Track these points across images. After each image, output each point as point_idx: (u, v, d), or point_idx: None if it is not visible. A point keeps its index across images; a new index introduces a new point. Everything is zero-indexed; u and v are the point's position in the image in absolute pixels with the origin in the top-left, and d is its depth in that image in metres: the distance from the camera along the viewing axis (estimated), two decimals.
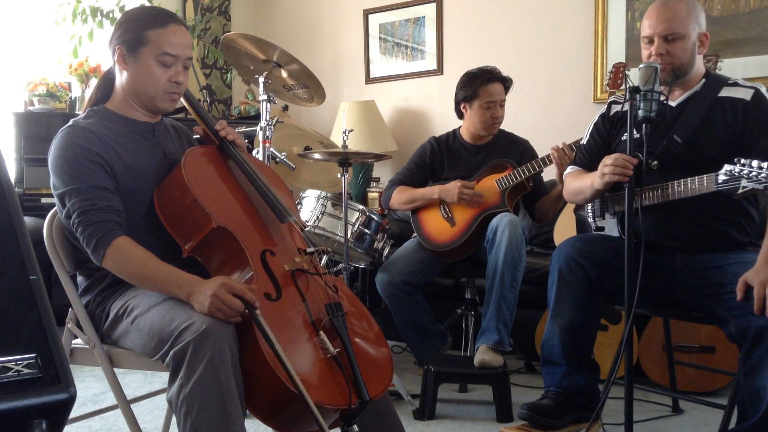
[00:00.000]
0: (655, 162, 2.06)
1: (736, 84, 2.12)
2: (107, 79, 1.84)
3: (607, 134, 2.30)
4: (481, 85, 3.00)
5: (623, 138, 2.13)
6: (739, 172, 1.85)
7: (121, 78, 1.79)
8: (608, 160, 2.04)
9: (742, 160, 1.85)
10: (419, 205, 3.07)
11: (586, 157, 2.35)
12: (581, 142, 2.42)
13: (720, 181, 1.89)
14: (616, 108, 2.29)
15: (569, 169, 2.40)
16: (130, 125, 1.79)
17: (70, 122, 1.74)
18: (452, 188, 2.94)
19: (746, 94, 2.08)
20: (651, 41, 2.10)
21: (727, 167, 1.88)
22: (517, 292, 2.73)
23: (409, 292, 2.95)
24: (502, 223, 2.73)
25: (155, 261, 1.61)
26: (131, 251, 1.62)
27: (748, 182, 1.83)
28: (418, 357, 3.07)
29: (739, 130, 2.06)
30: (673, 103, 2.16)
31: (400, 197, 3.10)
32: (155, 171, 1.76)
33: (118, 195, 1.69)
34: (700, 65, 2.17)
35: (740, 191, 1.85)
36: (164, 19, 1.76)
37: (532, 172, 2.85)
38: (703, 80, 2.16)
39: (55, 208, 1.76)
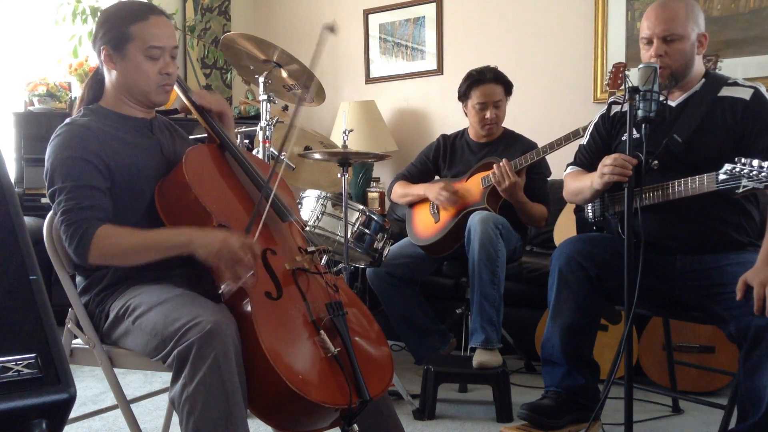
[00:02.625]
0: (656, 162, 2.05)
1: (735, 83, 2.12)
2: (96, 79, 1.83)
3: (607, 134, 2.29)
4: (471, 86, 3.04)
5: (623, 138, 2.13)
6: (739, 171, 1.84)
7: (110, 77, 1.78)
8: (608, 160, 2.04)
9: (743, 160, 1.84)
10: (410, 200, 3.17)
11: (586, 157, 2.35)
12: (581, 143, 2.42)
13: (720, 180, 1.89)
14: (616, 108, 2.28)
15: (569, 169, 2.40)
16: (128, 121, 1.79)
17: (67, 120, 1.73)
18: (434, 189, 3.00)
19: (746, 94, 2.08)
20: (650, 42, 2.10)
21: (727, 166, 1.88)
22: (501, 287, 2.69)
23: (395, 284, 3.00)
24: (474, 222, 2.74)
25: (140, 231, 1.60)
26: (113, 233, 1.60)
27: (749, 181, 1.83)
28: (415, 355, 3.08)
29: (738, 130, 2.06)
30: (672, 103, 2.16)
31: (399, 190, 3.21)
32: (154, 168, 1.75)
33: (119, 193, 1.68)
34: (699, 65, 2.16)
35: (740, 190, 1.85)
36: (144, 12, 1.75)
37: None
38: (703, 80, 2.16)
39: None
